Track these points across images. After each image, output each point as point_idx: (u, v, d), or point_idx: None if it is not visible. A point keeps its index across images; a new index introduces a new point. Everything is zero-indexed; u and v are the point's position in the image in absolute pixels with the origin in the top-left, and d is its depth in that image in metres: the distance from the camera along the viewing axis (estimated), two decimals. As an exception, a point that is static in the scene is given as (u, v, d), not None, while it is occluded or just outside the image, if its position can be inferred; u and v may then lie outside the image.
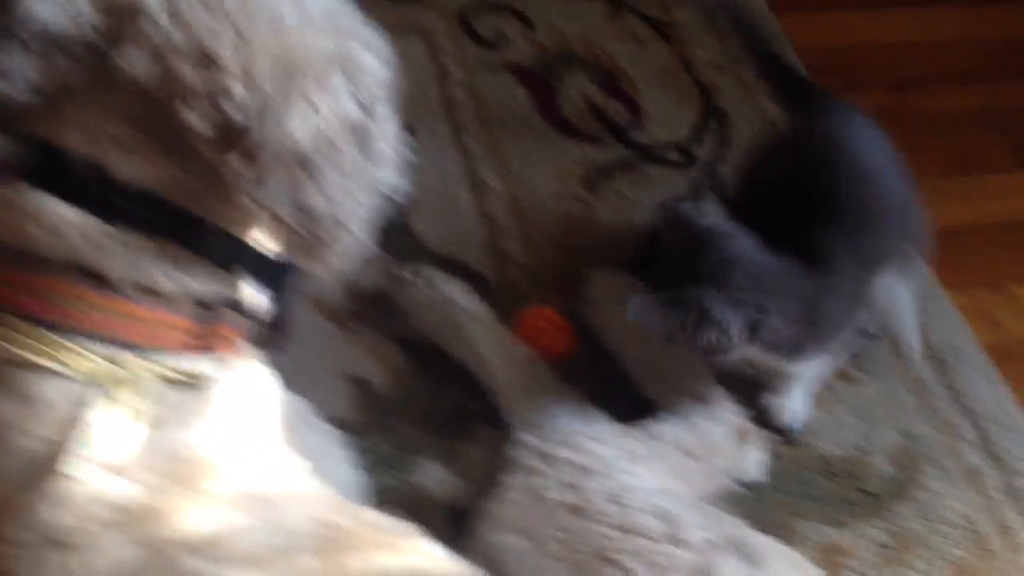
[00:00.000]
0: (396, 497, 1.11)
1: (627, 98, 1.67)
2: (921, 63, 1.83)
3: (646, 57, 1.73)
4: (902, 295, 1.31)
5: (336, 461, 1.09)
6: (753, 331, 1.06)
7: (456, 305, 1.25)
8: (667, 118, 1.64)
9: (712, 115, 1.65)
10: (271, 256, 0.86)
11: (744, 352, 1.11)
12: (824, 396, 1.31)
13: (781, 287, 1.09)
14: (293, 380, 0.95)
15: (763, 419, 1.25)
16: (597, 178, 1.53)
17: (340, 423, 1.17)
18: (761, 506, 1.18)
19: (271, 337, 0.92)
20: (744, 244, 1.10)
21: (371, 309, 1.29)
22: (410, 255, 1.33)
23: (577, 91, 1.65)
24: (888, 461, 1.27)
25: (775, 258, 1.09)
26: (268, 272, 0.87)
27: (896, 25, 1.88)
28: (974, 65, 1.84)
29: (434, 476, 1.18)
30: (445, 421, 1.23)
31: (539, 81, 1.66)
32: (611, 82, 1.68)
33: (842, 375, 1.33)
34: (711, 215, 1.19)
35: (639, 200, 1.50)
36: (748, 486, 1.19)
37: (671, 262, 1.13)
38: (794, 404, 1.26)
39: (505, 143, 1.55)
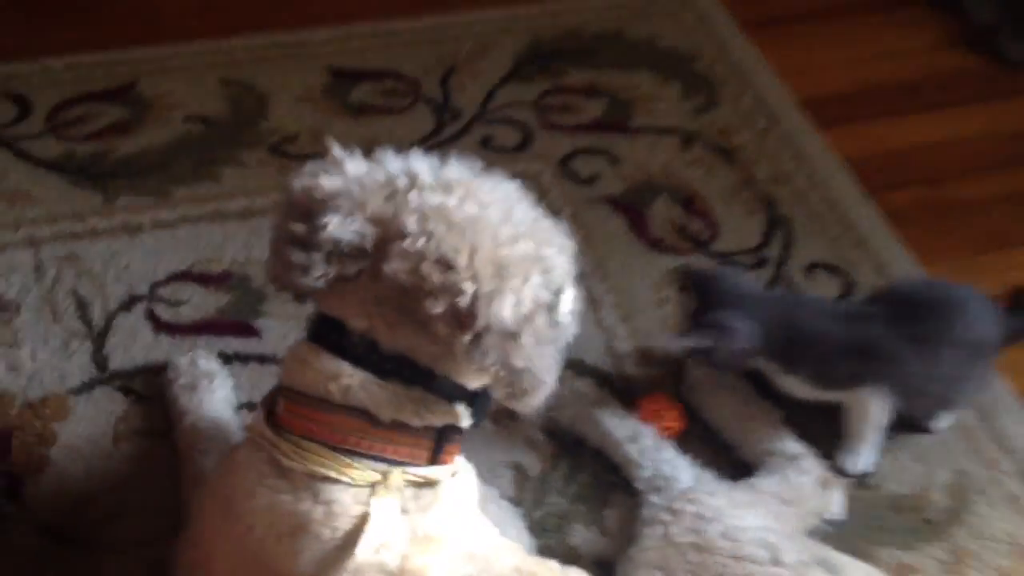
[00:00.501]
0: (555, 556, 1.32)
1: (704, 215, 1.96)
2: (948, 159, 2.08)
3: (716, 179, 2.02)
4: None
5: (513, 528, 1.42)
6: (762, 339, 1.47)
7: (587, 398, 1.59)
8: (739, 228, 1.93)
9: (776, 222, 1.95)
10: (478, 390, 1.19)
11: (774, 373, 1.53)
12: (889, 445, 1.58)
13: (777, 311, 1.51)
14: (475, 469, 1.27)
15: (841, 470, 1.55)
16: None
17: (509, 500, 1.51)
18: (843, 539, 1.43)
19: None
20: (747, 281, 1.56)
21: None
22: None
23: (663, 214, 1.95)
24: (944, 495, 1.53)
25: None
26: (475, 399, 1.19)
27: (924, 128, 2.14)
28: (994, 155, 2.09)
29: (583, 536, 1.47)
30: (588, 492, 1.53)
31: (631, 209, 1.97)
32: (690, 203, 1.98)
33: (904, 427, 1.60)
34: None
35: (723, 300, 1.83)
36: (832, 523, 1.46)
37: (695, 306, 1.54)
38: (864, 456, 1.56)
39: (610, 263, 1.86)
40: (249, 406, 1.59)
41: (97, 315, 1.73)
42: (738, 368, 1.58)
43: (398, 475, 1.11)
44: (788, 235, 1.94)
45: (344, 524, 1.08)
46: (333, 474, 1.08)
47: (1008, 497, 1.54)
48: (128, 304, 1.75)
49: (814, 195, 2.01)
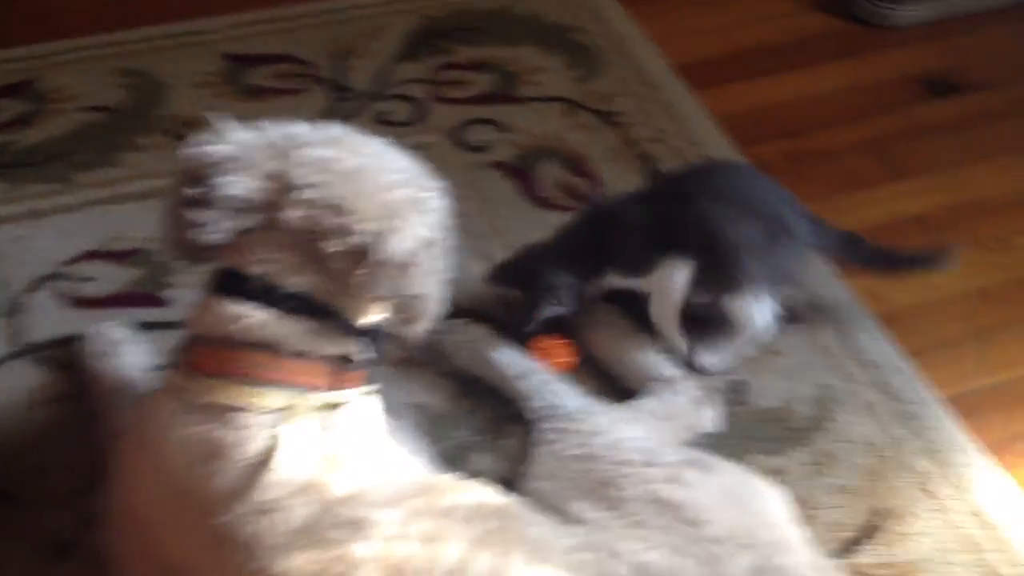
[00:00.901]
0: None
1: (588, 174, 2.09)
2: (809, 113, 2.26)
3: (599, 142, 2.16)
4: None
5: (419, 454, 1.53)
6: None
7: (480, 342, 1.70)
8: (622, 185, 2.04)
9: (652, 176, 2.10)
10: (372, 326, 1.33)
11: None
12: (755, 366, 1.74)
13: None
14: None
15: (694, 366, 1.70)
16: (573, 237, 1.98)
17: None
18: (717, 450, 1.56)
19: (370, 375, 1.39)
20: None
21: (422, 354, 1.73)
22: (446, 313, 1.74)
23: (550, 175, 2.08)
24: (807, 407, 1.69)
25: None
26: (370, 335, 1.33)
27: (787, 87, 2.32)
28: (850, 108, 2.28)
29: (484, 463, 1.59)
30: (487, 425, 1.65)
31: (520, 172, 2.09)
32: (575, 164, 2.11)
33: (768, 350, 1.76)
34: None
35: (607, 249, 1.96)
36: (706, 437, 1.61)
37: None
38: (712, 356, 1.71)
39: (501, 223, 1.98)
40: (159, 369, 1.66)
41: (7, 295, 1.79)
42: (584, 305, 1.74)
43: (303, 400, 1.22)
44: (666, 188, 2.08)
45: (256, 447, 1.18)
46: (242, 403, 1.19)
47: (865, 405, 1.71)
48: (37, 283, 1.81)
49: (690, 151, 2.16)
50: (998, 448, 1.66)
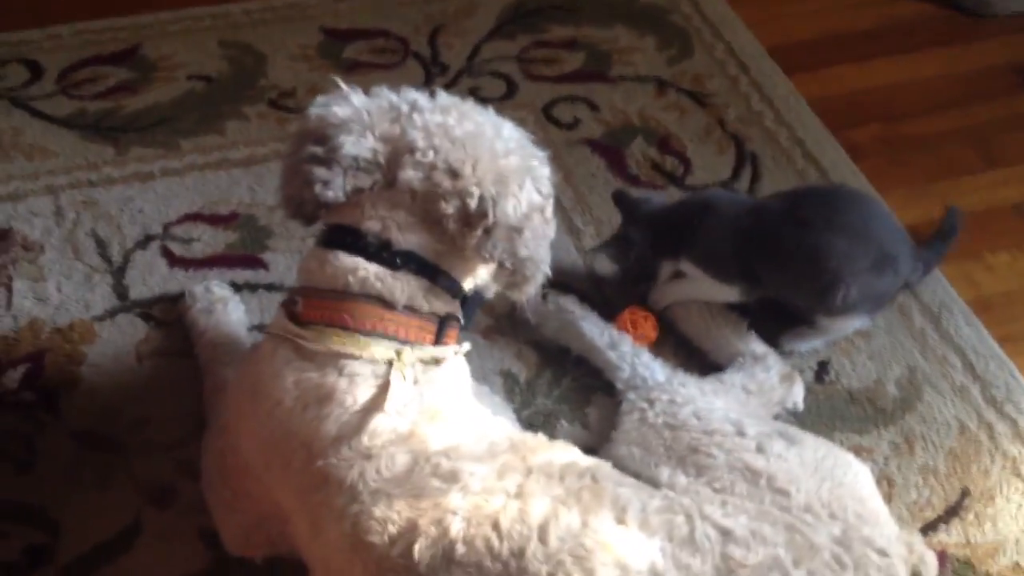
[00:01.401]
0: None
1: (678, 153, 2.11)
2: (905, 99, 2.24)
3: (689, 121, 2.17)
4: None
5: (505, 417, 1.56)
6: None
7: (571, 313, 1.73)
8: (711, 165, 2.08)
9: (745, 158, 2.10)
10: (470, 292, 1.37)
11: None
12: (846, 347, 1.74)
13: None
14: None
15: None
16: (662, 215, 2.00)
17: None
18: (803, 426, 1.58)
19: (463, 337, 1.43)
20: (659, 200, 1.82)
21: (510, 324, 1.78)
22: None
23: (639, 153, 2.10)
24: (896, 388, 1.69)
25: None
26: (469, 300, 1.37)
27: (883, 72, 2.30)
28: (949, 95, 2.25)
29: (567, 431, 1.62)
30: (571, 395, 1.68)
31: (610, 149, 2.12)
32: (665, 143, 2.13)
33: (860, 332, 1.76)
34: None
35: (695, 227, 1.97)
36: (793, 414, 1.63)
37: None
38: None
39: (590, 198, 2.01)
40: (260, 328, 1.73)
41: (115, 252, 1.87)
42: (641, 273, 1.79)
43: (410, 352, 1.26)
44: (756, 170, 2.09)
45: (365, 393, 1.23)
46: (355, 351, 1.24)
47: (956, 388, 1.70)
48: (143, 242, 1.89)
49: (781, 133, 2.16)
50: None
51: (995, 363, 1.73)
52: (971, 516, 1.53)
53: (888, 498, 1.50)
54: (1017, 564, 1.49)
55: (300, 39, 2.36)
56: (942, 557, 1.46)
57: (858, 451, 1.59)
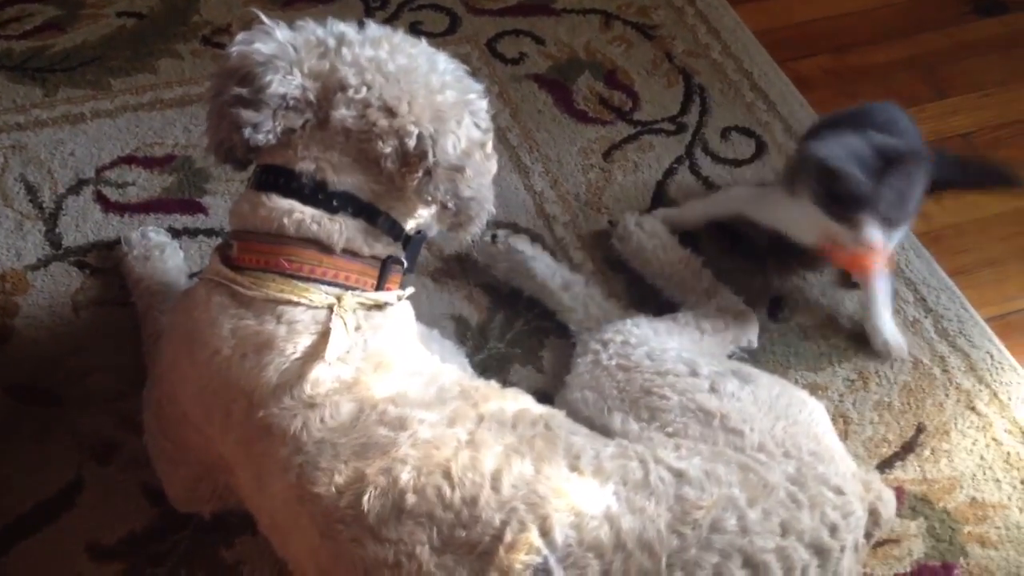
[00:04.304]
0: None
1: (626, 88, 2.06)
2: (852, 29, 2.21)
3: (636, 54, 2.13)
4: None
5: (456, 362, 1.52)
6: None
7: (523, 254, 1.68)
8: (659, 99, 2.04)
9: (693, 92, 2.07)
10: (413, 233, 1.32)
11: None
12: (799, 284, 1.73)
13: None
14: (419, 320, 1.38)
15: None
16: (611, 151, 1.94)
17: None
18: (758, 364, 1.57)
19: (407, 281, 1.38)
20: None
21: (460, 266, 1.73)
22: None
23: (587, 87, 2.06)
24: (849, 323, 1.68)
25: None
26: (411, 242, 1.32)
27: (828, 2, 2.26)
28: (895, 24, 2.22)
29: (521, 375, 1.60)
30: (524, 338, 1.65)
31: (556, 84, 2.07)
32: (612, 77, 2.08)
33: (814, 269, 1.74)
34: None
35: (645, 163, 1.92)
36: (748, 352, 1.61)
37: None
38: (887, 327, 1.63)
39: (537, 135, 1.96)
40: (199, 275, 1.66)
41: (47, 198, 1.79)
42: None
43: (351, 298, 1.22)
44: (704, 103, 2.06)
45: (305, 340, 1.19)
46: (293, 297, 1.19)
47: (908, 322, 1.71)
48: (76, 187, 1.81)
49: (728, 65, 2.13)
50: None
51: (946, 295, 1.73)
52: (927, 452, 1.54)
53: (844, 435, 1.50)
54: (973, 499, 1.50)
55: (233, -28, 2.26)
56: (899, 494, 1.47)
57: (813, 388, 1.59)
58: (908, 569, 1.43)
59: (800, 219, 1.56)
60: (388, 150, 1.21)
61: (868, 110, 1.65)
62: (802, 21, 2.24)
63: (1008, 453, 1.55)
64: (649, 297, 1.70)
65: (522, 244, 1.71)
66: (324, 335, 1.18)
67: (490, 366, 1.62)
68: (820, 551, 1.21)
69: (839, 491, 1.25)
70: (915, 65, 2.15)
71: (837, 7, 2.27)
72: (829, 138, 1.50)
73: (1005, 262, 1.80)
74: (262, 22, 1.26)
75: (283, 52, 1.22)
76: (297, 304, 1.19)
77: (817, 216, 1.51)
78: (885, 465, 1.52)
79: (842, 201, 1.47)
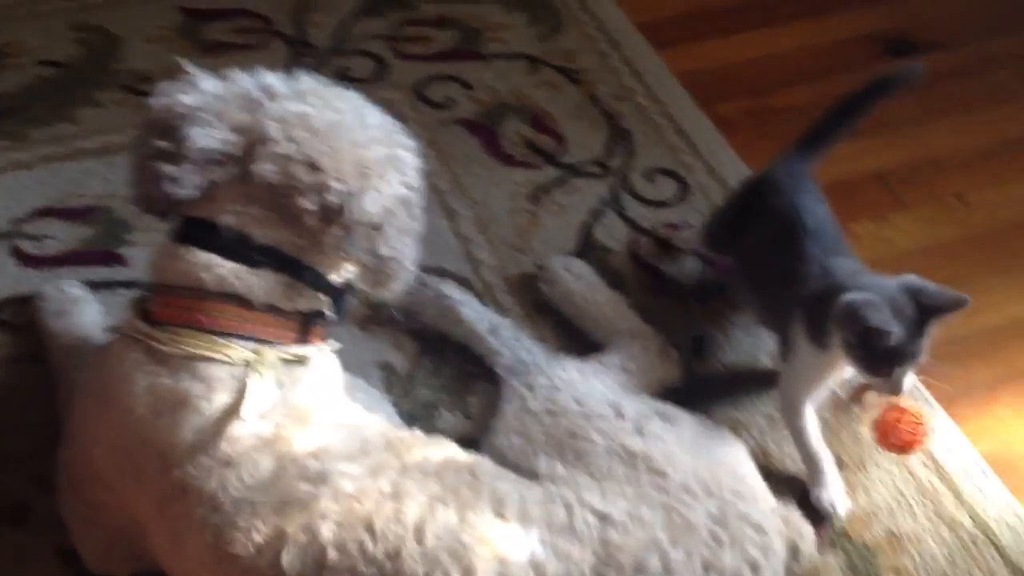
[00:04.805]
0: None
1: (552, 131, 2.08)
2: (772, 72, 2.26)
3: (562, 98, 2.15)
4: None
5: (382, 411, 1.52)
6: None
7: (450, 299, 1.68)
8: (584, 142, 2.06)
9: (618, 135, 2.09)
10: (339, 285, 1.31)
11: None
12: (721, 323, 1.76)
13: None
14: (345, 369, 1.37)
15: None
16: (538, 194, 1.96)
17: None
18: (682, 402, 1.54)
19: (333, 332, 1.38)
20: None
21: (386, 313, 1.72)
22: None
23: (514, 131, 2.07)
24: (771, 360, 1.70)
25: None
26: (337, 294, 1.31)
27: (749, 46, 2.32)
28: (811, 66, 2.28)
29: (449, 421, 1.59)
30: (452, 384, 1.65)
31: (484, 128, 2.09)
32: (538, 121, 2.10)
33: (733, 306, 1.77)
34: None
35: (571, 205, 1.94)
36: (671, 390, 1.62)
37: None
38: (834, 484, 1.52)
39: (465, 179, 1.97)
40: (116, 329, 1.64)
41: (-40, 252, 1.75)
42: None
43: (271, 353, 1.21)
44: (629, 145, 2.09)
45: (222, 397, 1.17)
46: (210, 353, 1.17)
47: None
48: (-8, 241, 1.78)
49: (652, 108, 2.16)
50: (951, 401, 1.68)
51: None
52: (847, 484, 1.56)
53: (765, 471, 1.51)
54: (890, 531, 1.52)
55: (157, 20, 2.26)
56: (819, 530, 1.49)
57: (735, 425, 1.61)
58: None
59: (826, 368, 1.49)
60: (309, 205, 1.20)
61: (772, 178, 1.63)
62: (723, 64, 2.29)
63: (923, 485, 1.58)
64: (576, 339, 1.71)
65: (449, 289, 1.71)
66: (242, 392, 1.16)
67: (417, 413, 1.61)
68: (743, 590, 1.22)
69: (760, 529, 1.27)
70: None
71: (757, 51, 2.33)
72: (863, 287, 1.40)
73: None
74: (186, 72, 1.26)
75: (207, 104, 1.21)
76: (215, 360, 1.17)
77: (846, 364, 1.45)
78: (805, 500, 1.54)
79: (882, 356, 1.38)
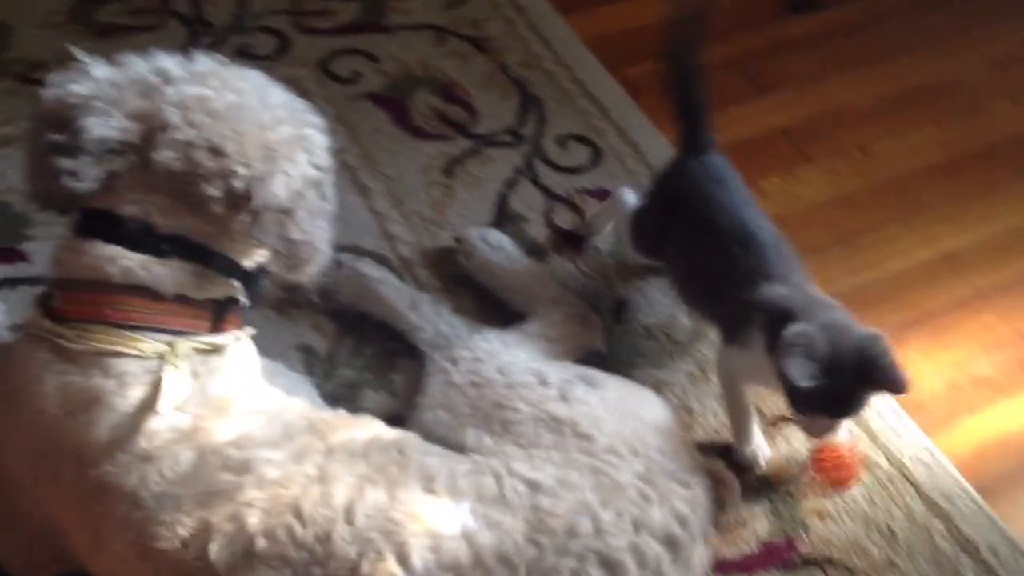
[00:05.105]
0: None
1: (462, 102, 2.07)
2: (676, 32, 2.31)
3: (470, 67, 2.14)
4: None
5: (305, 394, 1.50)
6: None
7: (368, 276, 1.67)
8: (495, 111, 2.05)
9: (528, 102, 2.09)
10: (252, 270, 1.29)
11: None
12: (640, 285, 1.77)
13: None
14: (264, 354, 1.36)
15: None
16: (452, 166, 1.95)
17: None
18: (605, 366, 1.57)
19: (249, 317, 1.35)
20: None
21: (303, 296, 1.69)
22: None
23: (423, 103, 2.06)
24: (688, 319, 1.73)
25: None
26: (250, 279, 1.29)
27: (654, 7, 2.26)
28: (716, 26, 2.31)
29: (373, 400, 1.59)
30: (374, 363, 1.64)
31: (393, 102, 2.06)
32: (448, 92, 2.09)
33: (650, 269, 1.79)
34: None
35: (486, 176, 1.93)
36: (595, 355, 1.64)
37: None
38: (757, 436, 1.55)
39: (376, 154, 1.95)
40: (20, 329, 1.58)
41: None
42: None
43: (184, 344, 1.18)
44: (541, 113, 2.09)
45: (137, 393, 1.14)
46: (121, 348, 1.14)
47: (742, 313, 1.76)
48: None
49: (562, 75, 2.16)
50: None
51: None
52: (766, 436, 1.60)
53: (688, 427, 1.55)
54: (812, 476, 1.56)
55: (47, 4, 2.18)
56: (742, 479, 1.52)
57: (658, 385, 1.63)
58: (755, 549, 1.49)
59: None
60: (214, 192, 1.16)
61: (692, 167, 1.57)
62: (629, 28, 2.29)
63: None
64: (497, 310, 1.71)
65: (367, 267, 1.70)
66: (157, 385, 1.14)
67: (341, 394, 1.60)
68: (672, 543, 1.25)
69: (686, 484, 1.30)
70: (735, 64, 2.23)
71: (660, 12, 2.32)
72: (822, 325, 1.33)
73: (827, 248, 1.89)
74: (78, 59, 1.21)
75: (101, 92, 1.16)
76: (126, 355, 1.14)
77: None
78: (728, 452, 1.58)
79: (799, 399, 1.35)
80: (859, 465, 1.54)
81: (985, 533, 1.52)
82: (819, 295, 1.45)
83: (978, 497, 1.56)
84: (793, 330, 1.31)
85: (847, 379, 1.31)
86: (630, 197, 1.73)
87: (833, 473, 1.53)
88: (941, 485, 1.57)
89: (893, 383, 1.31)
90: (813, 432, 1.43)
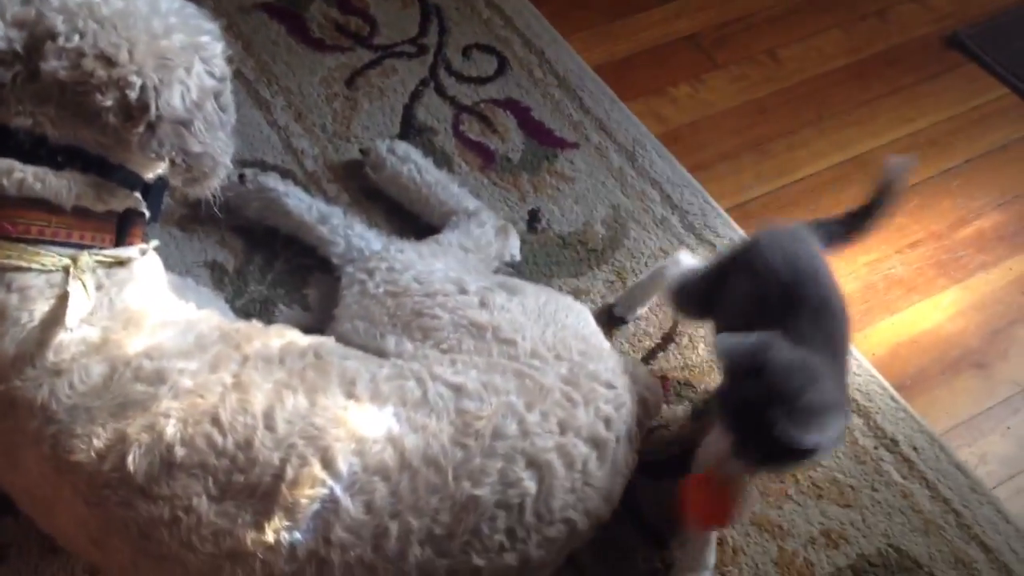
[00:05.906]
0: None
1: (361, 12, 2.00)
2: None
3: (369, -24, 2.07)
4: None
5: (216, 308, 1.45)
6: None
7: (274, 191, 1.60)
8: (397, 22, 2.00)
9: (430, 12, 2.03)
10: (153, 181, 1.23)
11: None
12: (553, 193, 1.76)
13: None
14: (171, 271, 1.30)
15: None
16: (354, 78, 1.89)
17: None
18: (523, 276, 1.60)
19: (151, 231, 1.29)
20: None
21: (206, 211, 1.64)
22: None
23: (321, 15, 1.98)
24: (604, 227, 1.73)
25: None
26: (152, 190, 1.23)
27: None
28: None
29: (286, 315, 1.55)
30: (285, 278, 1.60)
31: (288, 13, 1.98)
32: (345, 2, 2.01)
33: (562, 177, 1.78)
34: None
35: (390, 87, 1.88)
36: (512, 266, 1.63)
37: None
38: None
39: (274, 67, 1.88)
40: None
41: None
42: None
43: (88, 257, 1.12)
44: (442, 23, 2.03)
45: (42, 306, 1.09)
46: (22, 263, 1.09)
47: (657, 220, 1.77)
48: None
49: (460, -18, 2.10)
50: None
51: (689, 191, 1.81)
52: (685, 340, 1.62)
53: (609, 334, 1.54)
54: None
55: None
56: (665, 382, 1.54)
57: (576, 293, 1.63)
58: (680, 449, 1.50)
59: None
60: (109, 103, 1.10)
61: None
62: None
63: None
64: (409, 222, 1.68)
65: (272, 181, 1.63)
66: (62, 299, 1.08)
67: (253, 310, 1.55)
68: (597, 443, 1.25)
69: (610, 386, 1.30)
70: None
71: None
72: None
73: (739, 155, 1.90)
74: None
75: None
76: (27, 270, 1.08)
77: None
78: (649, 357, 1.59)
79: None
80: (737, 502, 1.28)
81: (904, 429, 1.57)
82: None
83: (896, 394, 1.60)
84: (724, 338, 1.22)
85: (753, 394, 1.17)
86: (686, 259, 1.54)
87: (711, 509, 1.28)
88: (860, 383, 1.61)
89: (782, 439, 1.15)
90: (722, 468, 1.26)
